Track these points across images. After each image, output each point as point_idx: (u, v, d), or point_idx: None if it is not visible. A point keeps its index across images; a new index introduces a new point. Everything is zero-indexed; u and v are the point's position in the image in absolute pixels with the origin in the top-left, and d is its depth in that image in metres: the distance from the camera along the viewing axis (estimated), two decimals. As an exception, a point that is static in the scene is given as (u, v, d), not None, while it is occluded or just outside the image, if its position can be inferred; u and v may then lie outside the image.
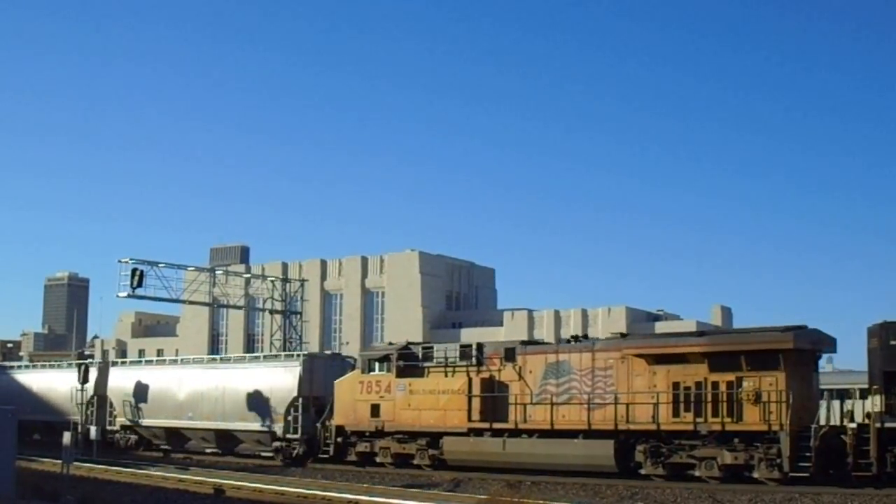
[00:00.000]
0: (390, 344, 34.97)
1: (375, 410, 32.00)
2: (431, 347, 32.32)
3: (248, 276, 71.87)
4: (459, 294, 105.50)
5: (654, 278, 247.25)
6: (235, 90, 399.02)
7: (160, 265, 51.23)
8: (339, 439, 33.19)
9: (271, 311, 61.33)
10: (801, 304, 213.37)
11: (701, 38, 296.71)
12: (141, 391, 41.90)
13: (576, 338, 29.94)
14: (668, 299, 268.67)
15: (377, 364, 32.43)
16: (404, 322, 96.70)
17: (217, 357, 43.46)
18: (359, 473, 31.61)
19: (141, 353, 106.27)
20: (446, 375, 30.81)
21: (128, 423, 42.47)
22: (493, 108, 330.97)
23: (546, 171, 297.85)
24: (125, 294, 49.81)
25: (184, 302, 56.22)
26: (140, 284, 49.43)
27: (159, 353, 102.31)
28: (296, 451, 35.35)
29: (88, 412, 42.38)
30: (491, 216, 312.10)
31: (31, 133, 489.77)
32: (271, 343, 60.79)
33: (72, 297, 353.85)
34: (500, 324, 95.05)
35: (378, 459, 32.23)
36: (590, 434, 27.45)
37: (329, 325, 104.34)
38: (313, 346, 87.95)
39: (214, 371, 40.14)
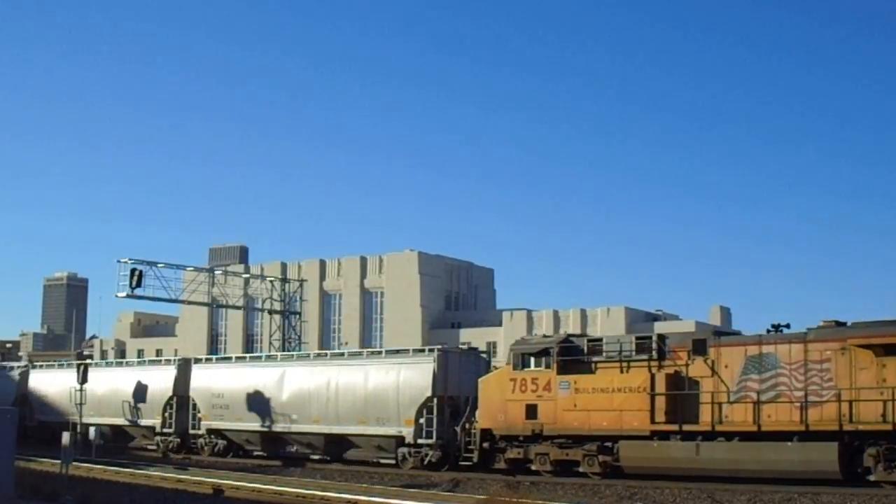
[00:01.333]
0: (545, 336, 32.00)
1: (532, 412, 28.44)
2: (600, 340, 29.00)
3: (247, 276, 71.97)
4: (458, 294, 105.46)
5: (652, 278, 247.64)
6: (234, 90, 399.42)
7: (159, 265, 51.26)
8: (485, 444, 29.63)
9: (270, 312, 61.34)
10: (801, 304, 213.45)
11: (700, 37, 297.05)
12: (232, 391, 38.40)
13: (776, 327, 26.10)
14: (667, 299, 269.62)
15: (532, 359, 28.78)
16: (403, 322, 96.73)
17: (327, 352, 38.67)
18: (357, 473, 31.62)
19: (140, 353, 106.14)
20: (622, 371, 27.38)
21: (215, 426, 38.90)
22: (493, 109, 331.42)
23: (545, 171, 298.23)
24: (124, 294, 49.84)
25: (183, 302, 56.29)
26: (139, 284, 49.46)
27: (158, 353, 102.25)
28: (428, 458, 31.73)
29: (166, 415, 40.35)
30: (490, 216, 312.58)
31: (31, 133, 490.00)
32: (270, 343, 60.80)
33: (71, 297, 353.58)
34: (499, 324, 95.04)
35: (533, 467, 28.72)
36: (806, 436, 24.20)
37: (328, 325, 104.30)
38: (312, 346, 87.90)
39: (325, 368, 36.11)
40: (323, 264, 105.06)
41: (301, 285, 63.65)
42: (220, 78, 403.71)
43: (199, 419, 39.34)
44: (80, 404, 39.48)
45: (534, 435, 28.51)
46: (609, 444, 27.26)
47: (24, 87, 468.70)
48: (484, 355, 35.64)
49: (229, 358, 44.43)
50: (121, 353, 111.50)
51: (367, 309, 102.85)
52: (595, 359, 28.00)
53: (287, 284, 61.16)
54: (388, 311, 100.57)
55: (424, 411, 32.03)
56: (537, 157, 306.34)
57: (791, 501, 22.60)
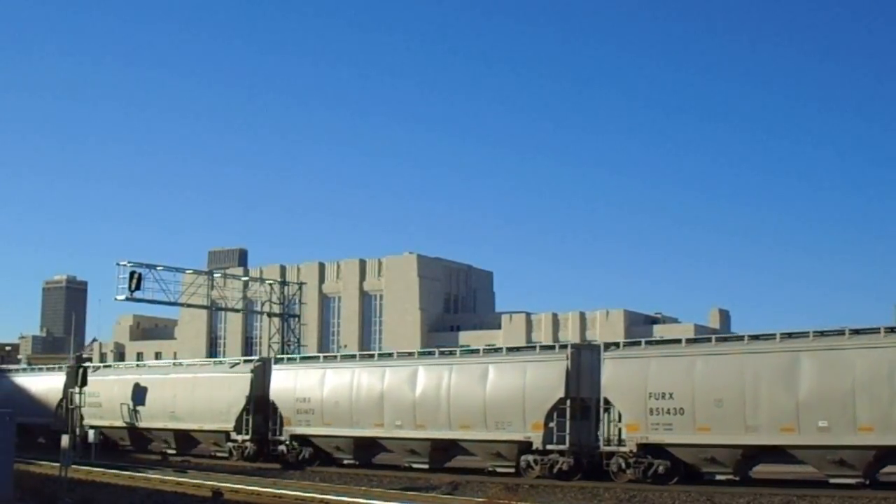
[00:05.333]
0: None
1: None
2: None
3: (247, 279, 71.92)
4: (457, 297, 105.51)
5: (651, 281, 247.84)
6: (234, 91, 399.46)
7: (158, 268, 51.26)
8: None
9: (269, 314, 61.42)
10: (800, 306, 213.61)
11: (700, 36, 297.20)
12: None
13: None
14: (666, 302, 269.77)
15: None
16: (402, 325, 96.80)
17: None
18: (356, 476, 31.60)
19: (139, 356, 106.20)
20: None
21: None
22: (493, 110, 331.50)
23: (544, 174, 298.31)
24: (123, 297, 49.87)
25: (182, 305, 56.30)
26: (138, 287, 49.49)
27: (157, 356, 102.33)
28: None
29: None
30: (489, 219, 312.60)
31: (31, 134, 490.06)
32: (269, 346, 60.83)
33: (70, 300, 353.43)
34: (498, 327, 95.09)
35: None
36: None
37: (327, 327, 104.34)
38: (311, 349, 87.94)
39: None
40: (322, 267, 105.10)
41: (300, 288, 63.64)
42: (219, 79, 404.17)
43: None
44: (79, 407, 39.54)
45: None
46: None
47: (24, 88, 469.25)
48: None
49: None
50: (120, 356, 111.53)
51: (366, 312, 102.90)
52: None
53: (286, 287, 61.18)
54: (388, 314, 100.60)
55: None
56: (537, 160, 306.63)
57: (790, 504, 22.57)
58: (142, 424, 41.61)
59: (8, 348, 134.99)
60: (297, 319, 60.72)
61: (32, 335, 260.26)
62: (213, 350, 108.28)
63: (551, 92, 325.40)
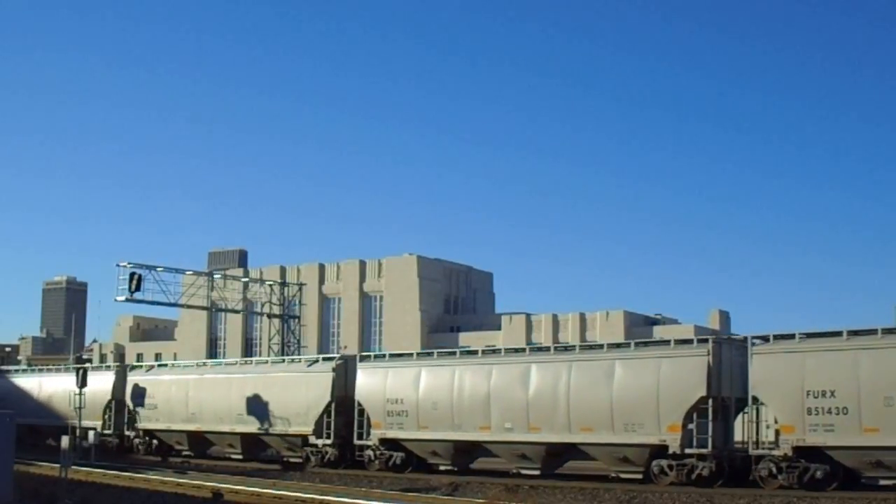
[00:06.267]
0: None
1: None
2: None
3: (247, 280, 71.94)
4: (458, 298, 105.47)
5: (652, 283, 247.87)
6: (234, 92, 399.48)
7: (158, 269, 51.29)
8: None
9: (269, 315, 61.46)
10: (800, 306, 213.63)
11: (700, 36, 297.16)
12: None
13: None
14: (666, 304, 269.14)
15: None
16: (402, 326, 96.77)
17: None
18: (356, 477, 31.58)
19: (139, 357, 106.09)
20: None
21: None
22: (493, 110, 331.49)
23: (544, 174, 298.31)
24: (123, 298, 49.91)
25: (182, 306, 56.30)
26: (138, 288, 49.53)
27: (157, 357, 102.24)
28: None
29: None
30: (489, 220, 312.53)
31: (31, 135, 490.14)
32: (269, 347, 60.84)
33: (70, 301, 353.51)
34: (498, 328, 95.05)
35: None
36: None
37: (327, 329, 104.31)
38: (311, 350, 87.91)
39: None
40: (322, 268, 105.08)
41: (300, 289, 63.68)
42: (219, 79, 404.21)
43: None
44: (79, 408, 39.37)
45: None
46: None
47: (24, 88, 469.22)
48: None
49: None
50: (120, 357, 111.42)
51: (366, 313, 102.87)
52: None
53: (286, 288, 61.22)
54: (388, 315, 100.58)
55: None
56: (537, 161, 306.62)
57: (791, 505, 22.46)
58: (204, 427, 39.72)
59: (8, 349, 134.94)
60: (297, 320, 60.75)
61: (32, 336, 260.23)
62: (213, 351, 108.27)
63: (551, 92, 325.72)
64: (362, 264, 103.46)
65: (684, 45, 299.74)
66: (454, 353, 35.14)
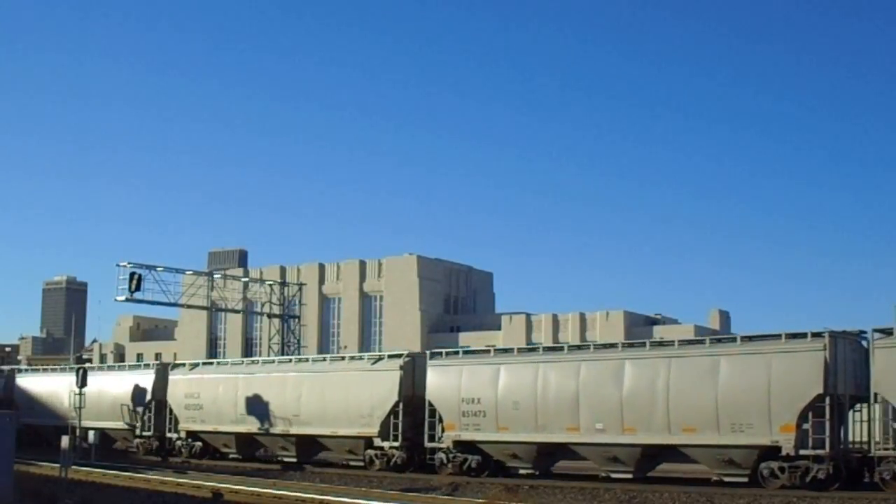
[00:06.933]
0: None
1: None
2: None
3: (247, 279, 72.00)
4: (458, 298, 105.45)
5: (652, 283, 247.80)
6: (233, 92, 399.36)
7: (158, 269, 51.33)
8: None
9: (269, 315, 61.50)
10: (800, 306, 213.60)
11: (700, 36, 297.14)
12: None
13: None
14: (666, 303, 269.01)
15: None
16: (402, 326, 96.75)
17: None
18: (356, 477, 31.58)
19: (139, 357, 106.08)
20: None
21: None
22: (493, 110, 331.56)
23: (544, 174, 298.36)
24: (123, 298, 49.97)
25: (182, 306, 56.35)
26: (138, 288, 49.59)
27: (157, 357, 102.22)
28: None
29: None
30: (489, 219, 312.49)
31: (31, 134, 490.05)
32: (269, 347, 60.85)
33: (70, 301, 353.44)
34: (498, 328, 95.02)
35: None
36: None
37: (327, 329, 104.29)
38: (311, 350, 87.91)
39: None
40: (322, 268, 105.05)
41: (300, 289, 63.70)
42: (219, 79, 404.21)
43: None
44: (80, 408, 39.29)
45: None
46: None
47: (24, 88, 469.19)
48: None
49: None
50: (120, 356, 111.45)
51: (366, 313, 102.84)
52: None
53: (286, 288, 61.24)
54: (388, 315, 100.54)
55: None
56: (537, 161, 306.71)
57: (791, 505, 22.36)
58: (255, 429, 37.91)
59: (8, 349, 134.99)
60: (296, 320, 60.79)
61: (32, 336, 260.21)
62: (213, 351, 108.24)
63: (551, 92, 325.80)
64: (362, 264, 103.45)
65: (684, 44, 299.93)
66: (536, 350, 33.28)
